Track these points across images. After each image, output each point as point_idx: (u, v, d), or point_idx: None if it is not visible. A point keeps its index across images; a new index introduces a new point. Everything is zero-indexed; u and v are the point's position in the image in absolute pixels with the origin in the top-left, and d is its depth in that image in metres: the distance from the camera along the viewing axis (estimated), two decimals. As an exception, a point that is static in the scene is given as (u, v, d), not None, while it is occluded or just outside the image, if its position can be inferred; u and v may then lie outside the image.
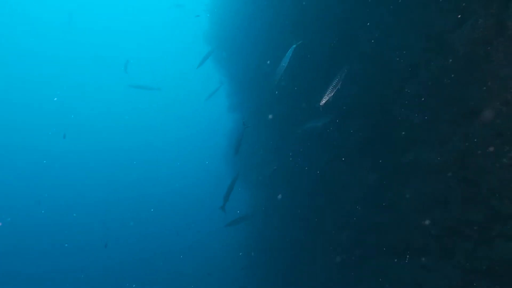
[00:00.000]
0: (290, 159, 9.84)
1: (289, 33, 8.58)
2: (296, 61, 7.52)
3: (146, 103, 34.71)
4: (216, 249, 23.14)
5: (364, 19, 6.63)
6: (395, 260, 6.45)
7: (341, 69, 5.76)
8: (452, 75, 5.12)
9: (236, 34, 12.18)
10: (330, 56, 7.59)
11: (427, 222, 5.68)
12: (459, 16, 4.76)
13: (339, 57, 7.27)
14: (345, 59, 7.05)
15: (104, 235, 23.74)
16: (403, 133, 6.14)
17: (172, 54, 34.71)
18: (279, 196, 9.82)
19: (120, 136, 36.21)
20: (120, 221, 28.88)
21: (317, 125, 7.25)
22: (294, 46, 5.92)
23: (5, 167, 31.47)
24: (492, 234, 4.53)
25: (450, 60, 5.11)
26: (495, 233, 4.50)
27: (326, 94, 5.56)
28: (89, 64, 35.01)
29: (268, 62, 8.53)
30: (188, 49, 23.70)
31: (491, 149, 4.50)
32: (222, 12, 13.54)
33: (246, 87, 12.51)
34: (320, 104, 5.61)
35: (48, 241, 27.04)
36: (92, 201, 30.04)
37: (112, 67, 27.49)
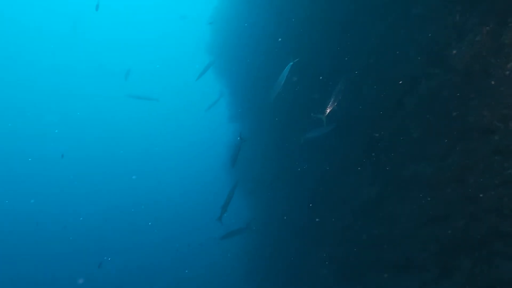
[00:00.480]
0: (290, 169, 9.82)
1: (291, 45, 8.67)
2: (296, 72, 7.58)
3: (147, 112, 34.89)
4: (215, 255, 23.00)
5: (366, 32, 6.69)
6: (394, 276, 6.37)
7: (341, 79, 5.83)
8: (451, 90, 5.13)
9: (238, 45, 12.29)
10: (331, 68, 7.63)
11: (426, 237, 5.63)
12: (458, 32, 4.80)
13: (340, 68, 7.31)
14: (346, 70, 7.09)
15: (100, 251, 23.68)
16: (403, 147, 6.13)
17: (175, 64, 35.00)
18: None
19: (120, 145, 36.24)
20: (119, 229, 28.75)
21: (319, 134, 7.27)
22: (291, 63, 5.97)
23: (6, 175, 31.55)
24: (491, 252, 4.48)
25: (449, 75, 5.13)
26: (494, 251, 4.45)
27: (330, 104, 5.62)
28: (92, 73, 35.32)
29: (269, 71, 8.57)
30: (191, 59, 23.92)
31: (490, 165, 4.48)
32: (224, 24, 13.70)
33: (246, 98, 12.59)
34: (324, 114, 5.68)
35: (43, 249, 26.89)
36: (91, 209, 29.92)
37: (115, 76, 27.69)
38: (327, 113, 5.67)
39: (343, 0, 6.77)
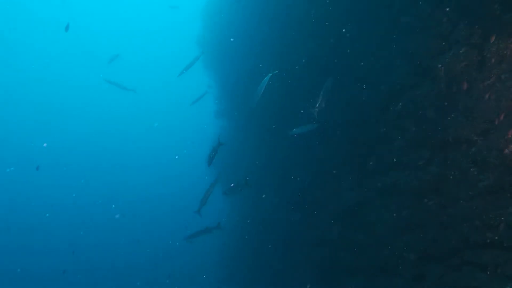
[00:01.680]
0: (272, 173, 9.80)
1: (280, 42, 8.62)
2: (284, 74, 7.54)
3: (133, 105, 34.27)
4: (195, 257, 22.85)
5: (355, 37, 6.70)
6: (369, 280, 6.45)
7: (328, 78, 5.88)
8: (434, 101, 5.19)
9: (229, 38, 12.11)
10: (318, 71, 7.61)
11: (402, 244, 5.71)
12: (443, 44, 4.85)
13: (327, 72, 7.30)
14: (333, 74, 7.09)
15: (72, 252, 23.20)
16: (385, 154, 6.18)
17: (165, 56, 34.38)
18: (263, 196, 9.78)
19: (106, 139, 35.50)
20: (98, 224, 28.27)
21: (303, 131, 7.32)
22: (270, 74, 6.05)
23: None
24: (460, 261, 4.58)
25: (433, 86, 5.19)
26: (463, 260, 4.55)
27: (320, 100, 5.70)
28: (78, 62, 34.33)
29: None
30: (180, 51, 23.54)
31: (466, 177, 4.56)
32: (215, 16, 13.49)
33: (234, 94, 12.47)
34: (315, 109, 5.75)
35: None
36: (71, 204, 29.20)
37: (99, 68, 26.85)
38: (317, 108, 5.79)
39: (334, 5, 6.75)
